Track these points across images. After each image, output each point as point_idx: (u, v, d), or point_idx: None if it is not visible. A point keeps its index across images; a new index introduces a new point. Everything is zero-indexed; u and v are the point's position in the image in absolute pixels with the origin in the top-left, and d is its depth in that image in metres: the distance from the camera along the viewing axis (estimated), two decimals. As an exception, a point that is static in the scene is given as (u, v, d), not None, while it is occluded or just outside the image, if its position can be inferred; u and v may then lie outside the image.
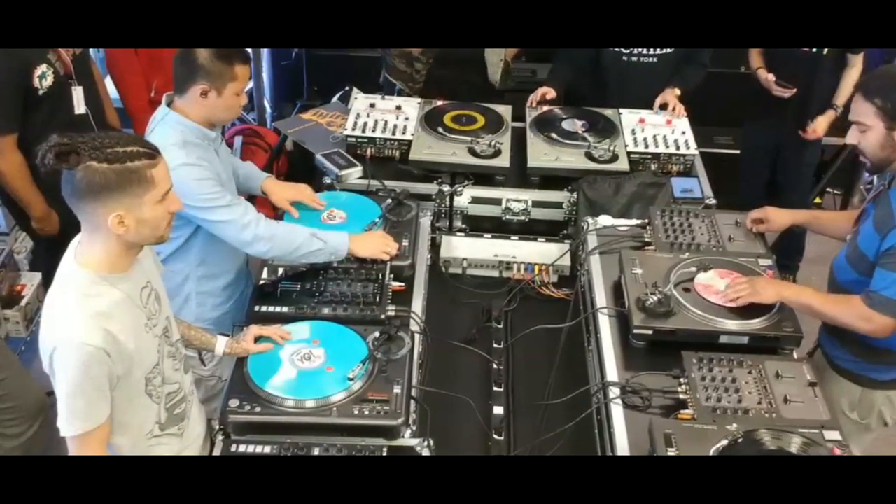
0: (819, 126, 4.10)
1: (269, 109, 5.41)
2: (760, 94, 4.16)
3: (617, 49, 3.81)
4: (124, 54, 3.90)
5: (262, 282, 2.76)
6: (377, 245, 2.85)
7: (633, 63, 3.82)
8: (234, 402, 2.30)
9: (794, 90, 4.00)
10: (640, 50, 3.80)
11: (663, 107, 3.72)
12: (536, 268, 3.14)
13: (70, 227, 2.16)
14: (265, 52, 5.28)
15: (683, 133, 3.57)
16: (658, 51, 3.80)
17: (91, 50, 3.72)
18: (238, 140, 4.68)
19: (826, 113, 4.08)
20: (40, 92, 3.26)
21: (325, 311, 2.65)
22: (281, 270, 2.80)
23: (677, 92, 3.76)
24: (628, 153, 3.44)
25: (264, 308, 2.67)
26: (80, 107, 3.43)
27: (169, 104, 2.71)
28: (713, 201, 3.29)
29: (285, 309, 2.66)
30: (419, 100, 3.76)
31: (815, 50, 3.98)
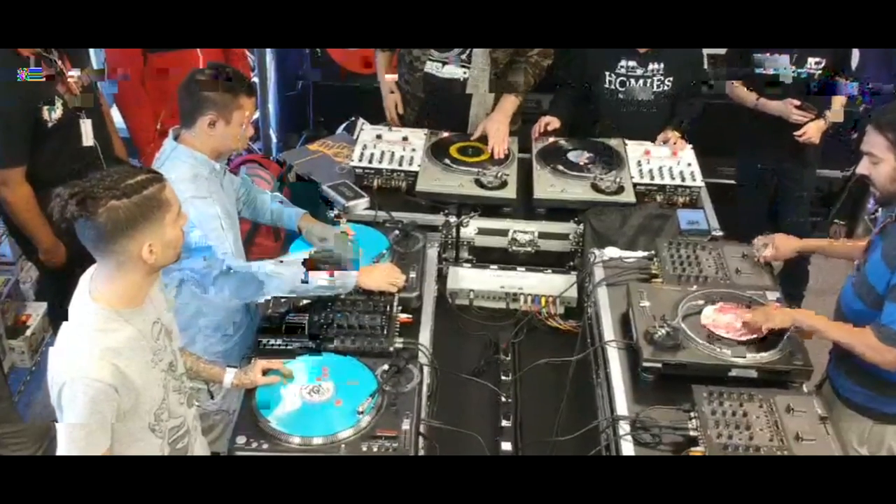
0: (810, 130, 4.03)
1: (274, 140, 5.43)
2: (752, 123, 4.18)
3: (613, 87, 3.84)
4: (132, 86, 3.92)
5: (268, 314, 2.75)
6: (384, 277, 2.84)
7: (628, 101, 3.85)
8: (241, 440, 2.28)
9: (816, 110, 4.01)
10: (635, 87, 3.83)
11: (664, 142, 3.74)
12: (543, 299, 3.14)
13: (77, 259, 2.17)
14: (271, 82, 5.31)
15: (689, 165, 3.58)
16: (654, 89, 3.83)
17: (99, 82, 3.74)
18: (243, 171, 4.68)
19: (816, 121, 4.04)
20: (49, 125, 3.28)
21: (333, 343, 2.65)
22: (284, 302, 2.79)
23: (678, 134, 3.78)
24: (634, 185, 3.45)
25: (271, 341, 2.66)
26: (88, 139, 3.44)
27: (175, 138, 2.73)
28: (720, 233, 3.29)
29: (292, 342, 2.66)
30: (425, 131, 3.78)
31: (803, 74, 4.00)
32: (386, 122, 4.00)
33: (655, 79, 3.81)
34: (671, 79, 3.81)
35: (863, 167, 2.56)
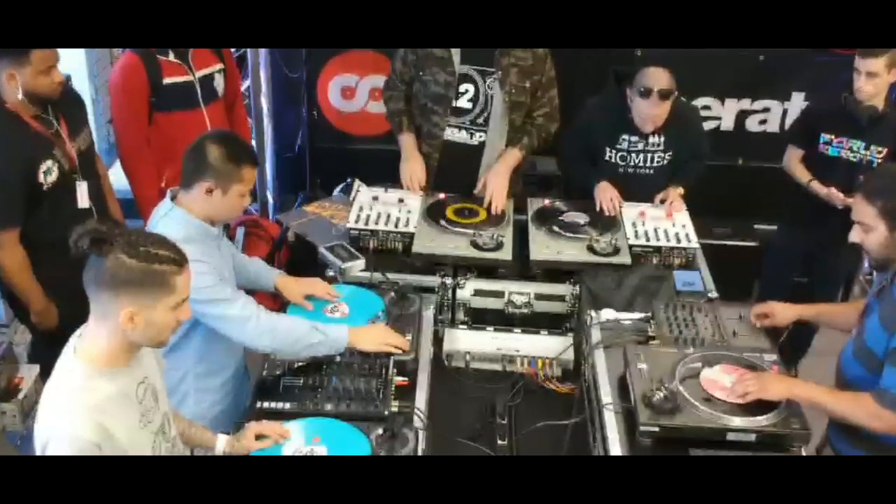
0: None
1: (271, 201, 5.46)
2: (801, 198, 4.16)
3: (613, 161, 3.87)
4: (137, 144, 3.93)
5: (263, 376, 2.73)
6: (378, 338, 2.83)
7: (630, 174, 3.88)
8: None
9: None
10: (636, 162, 3.87)
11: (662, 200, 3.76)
12: (540, 361, 3.11)
13: (69, 321, 2.16)
14: (268, 144, 5.37)
15: (684, 226, 3.60)
16: (654, 163, 3.87)
17: (97, 142, 3.76)
18: (240, 231, 4.70)
19: None
20: (45, 187, 3.28)
21: (328, 406, 2.62)
22: (279, 364, 2.78)
23: (680, 190, 3.81)
24: (630, 246, 3.46)
25: (266, 404, 2.64)
26: (83, 201, 3.44)
27: (173, 198, 2.74)
28: (715, 295, 3.29)
29: (287, 405, 2.64)
30: (421, 193, 3.80)
31: (861, 160, 4.01)
32: (386, 184, 4.01)
33: (656, 154, 3.85)
34: (671, 153, 3.85)
35: (855, 235, 2.58)
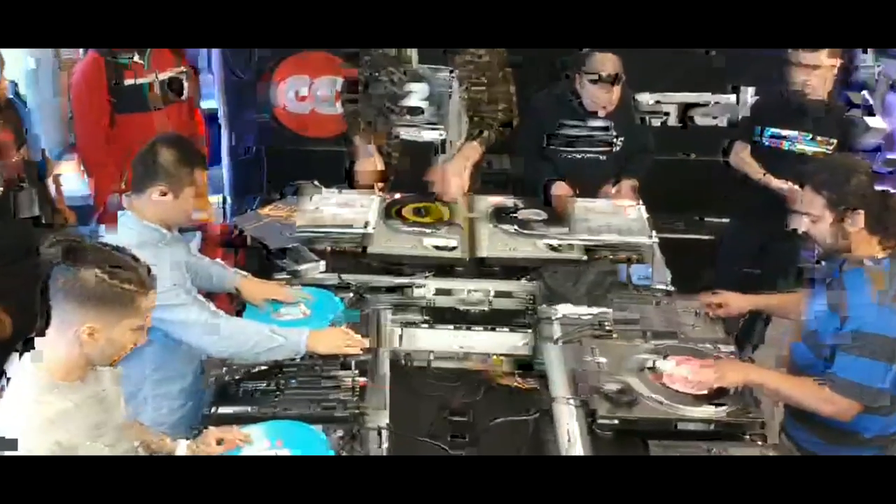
0: None
1: (226, 204, 5.41)
2: (752, 191, 4.21)
3: (564, 148, 3.90)
4: (97, 145, 3.87)
5: (222, 382, 2.71)
6: (337, 341, 2.82)
7: (580, 161, 3.92)
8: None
9: None
10: (586, 148, 3.91)
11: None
12: (499, 358, 3.12)
13: (22, 331, 2.13)
14: (223, 146, 5.32)
15: (639, 221, 3.64)
16: (603, 149, 3.92)
17: (49, 148, 3.71)
18: (198, 235, 4.64)
19: None
20: None
21: (288, 409, 2.60)
22: (237, 368, 2.75)
23: (634, 183, 3.85)
24: (585, 242, 3.49)
25: (225, 409, 2.61)
26: (33, 209, 3.38)
27: (125, 205, 2.71)
28: (670, 288, 3.33)
29: (247, 409, 2.61)
30: (378, 193, 3.79)
31: (802, 151, 4.07)
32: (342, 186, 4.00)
33: (605, 140, 3.89)
34: (619, 140, 3.91)
35: (802, 226, 2.63)
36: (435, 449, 2.75)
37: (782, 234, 4.13)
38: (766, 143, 4.13)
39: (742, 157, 4.25)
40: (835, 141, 4.03)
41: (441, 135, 3.90)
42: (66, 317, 1.96)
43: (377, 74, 3.85)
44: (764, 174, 4.14)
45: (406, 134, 3.91)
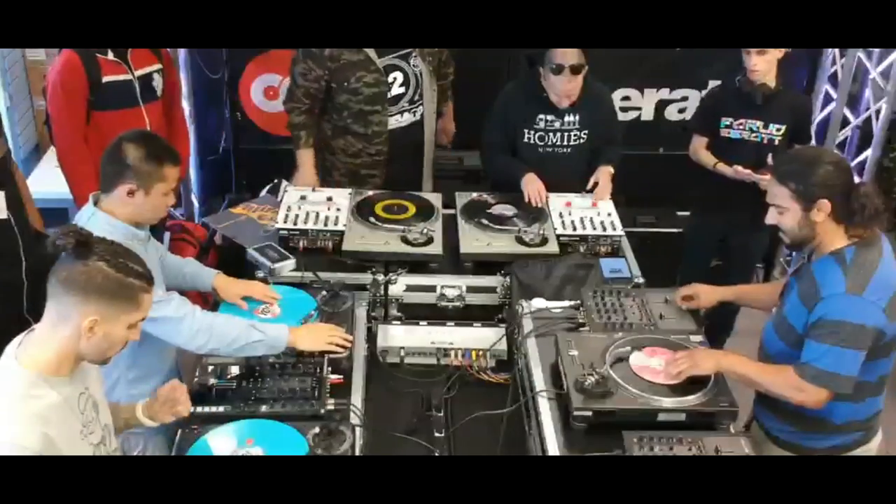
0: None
1: (196, 204, 5.38)
2: (710, 184, 4.25)
3: (532, 142, 3.93)
4: (75, 143, 3.82)
5: (196, 381, 2.70)
6: (322, 337, 2.81)
7: (549, 154, 3.93)
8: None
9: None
10: (554, 141, 3.93)
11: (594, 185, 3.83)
12: (474, 353, 3.13)
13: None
14: (192, 147, 5.27)
15: (609, 215, 3.67)
16: (571, 142, 3.94)
17: (14, 150, 3.66)
18: (166, 236, 4.62)
19: None
20: None
21: (263, 408, 2.60)
22: (212, 368, 2.74)
23: (610, 169, 3.88)
24: (557, 236, 3.52)
25: (199, 408, 2.59)
26: (1, 212, 3.35)
27: (95, 203, 2.68)
28: (641, 280, 3.36)
29: (221, 408, 2.60)
30: (350, 190, 3.80)
31: (762, 139, 4.10)
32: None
33: (573, 133, 3.91)
34: (586, 131, 3.92)
35: (770, 217, 2.66)
36: (411, 445, 2.76)
37: (740, 225, 4.22)
38: (721, 134, 4.17)
39: (696, 149, 4.29)
40: (783, 126, 4.07)
41: (422, 109, 4.12)
42: (67, 309, 1.96)
43: (347, 84, 3.93)
44: (716, 163, 4.18)
45: (393, 123, 4.07)
